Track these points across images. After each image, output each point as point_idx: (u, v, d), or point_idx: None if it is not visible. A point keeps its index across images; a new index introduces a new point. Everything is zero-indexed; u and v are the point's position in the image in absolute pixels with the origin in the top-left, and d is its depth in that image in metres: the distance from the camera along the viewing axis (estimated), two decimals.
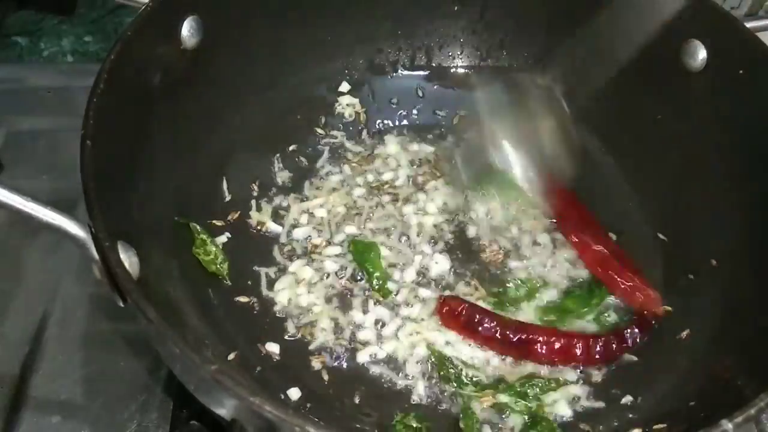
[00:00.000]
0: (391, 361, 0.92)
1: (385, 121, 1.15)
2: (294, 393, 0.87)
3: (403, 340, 0.93)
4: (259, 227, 1.01)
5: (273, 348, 0.91)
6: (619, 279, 0.97)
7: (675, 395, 0.87)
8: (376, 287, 0.96)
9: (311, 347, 0.92)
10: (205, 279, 0.93)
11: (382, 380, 0.90)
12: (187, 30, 0.90)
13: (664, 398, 0.88)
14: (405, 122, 1.15)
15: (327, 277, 0.98)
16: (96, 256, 0.66)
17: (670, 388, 0.88)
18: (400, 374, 0.91)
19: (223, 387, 0.56)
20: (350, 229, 1.02)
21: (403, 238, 1.02)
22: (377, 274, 0.97)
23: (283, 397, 0.86)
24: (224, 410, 0.64)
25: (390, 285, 0.97)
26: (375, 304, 0.96)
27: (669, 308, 0.96)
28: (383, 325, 0.94)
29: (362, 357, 0.92)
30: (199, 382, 0.66)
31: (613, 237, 1.03)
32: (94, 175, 0.69)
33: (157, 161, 0.88)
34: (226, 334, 0.88)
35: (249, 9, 0.98)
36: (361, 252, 0.98)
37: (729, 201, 0.97)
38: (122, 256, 0.68)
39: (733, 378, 0.83)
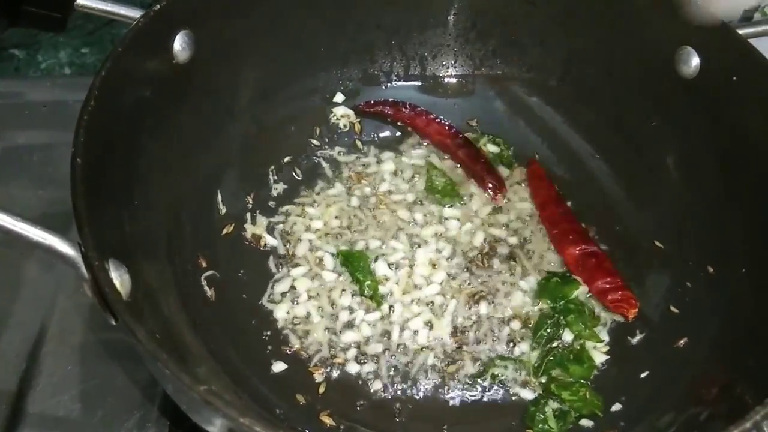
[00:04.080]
0: (387, 369, 0.92)
1: (381, 133, 1.15)
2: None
3: (397, 348, 0.94)
4: (254, 240, 1.01)
5: (272, 362, 0.91)
6: (596, 277, 0.98)
7: (670, 404, 0.87)
8: (368, 295, 0.96)
9: (310, 359, 0.92)
10: (200, 294, 0.93)
11: (378, 389, 0.91)
12: (179, 44, 0.89)
13: (658, 407, 0.87)
14: (399, 133, 1.15)
15: (324, 288, 0.98)
16: (86, 275, 0.66)
17: (664, 397, 0.88)
18: (396, 382, 0.91)
19: (213, 408, 0.56)
20: (346, 240, 1.02)
21: (400, 248, 1.01)
22: (368, 282, 0.97)
23: (279, 412, 0.86)
24: (216, 429, 0.64)
25: (383, 292, 0.97)
26: (370, 312, 0.96)
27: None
28: (379, 333, 0.95)
29: (357, 366, 0.92)
30: (190, 401, 0.66)
31: (606, 246, 1.03)
32: (84, 194, 0.68)
33: (150, 176, 0.88)
34: (222, 349, 0.88)
35: (241, 22, 0.98)
36: (351, 262, 0.98)
37: (725, 208, 0.96)
38: (113, 274, 0.68)
39: (732, 385, 0.82)
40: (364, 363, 0.93)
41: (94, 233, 0.66)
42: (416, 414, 0.89)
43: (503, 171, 1.11)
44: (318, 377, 0.91)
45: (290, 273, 0.99)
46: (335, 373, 0.92)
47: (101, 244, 0.66)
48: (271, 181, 1.07)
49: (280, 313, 0.95)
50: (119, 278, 0.69)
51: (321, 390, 0.90)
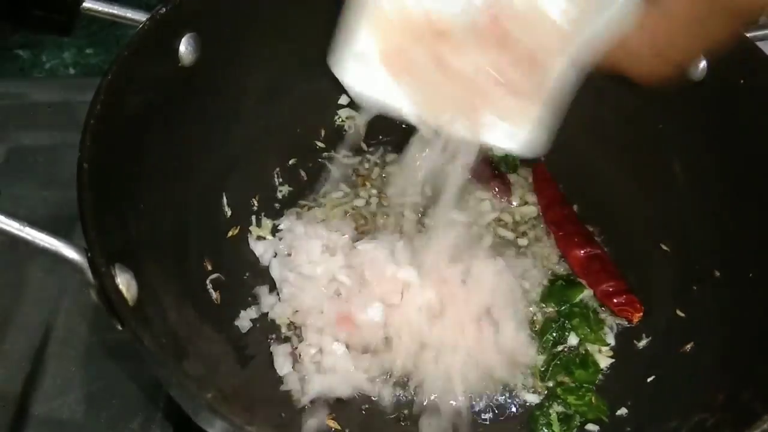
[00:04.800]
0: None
1: (386, 135, 1.14)
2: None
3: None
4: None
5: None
6: (600, 281, 0.98)
7: (676, 409, 0.86)
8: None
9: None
10: (205, 297, 0.93)
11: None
12: (185, 47, 0.89)
13: (664, 412, 0.87)
14: (405, 134, 1.14)
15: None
16: (93, 280, 0.66)
17: (670, 402, 0.88)
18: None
19: (219, 416, 0.56)
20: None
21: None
22: None
23: (283, 415, 0.86)
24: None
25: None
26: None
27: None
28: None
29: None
30: (196, 407, 0.66)
31: (612, 249, 1.03)
32: (91, 199, 0.68)
33: (156, 179, 0.88)
34: (227, 352, 0.88)
35: (247, 24, 0.98)
36: None
37: (731, 211, 0.96)
38: (119, 279, 0.68)
39: (739, 392, 0.82)
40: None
41: (100, 239, 0.65)
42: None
43: (510, 175, 1.10)
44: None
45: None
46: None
47: (107, 250, 0.66)
48: (277, 183, 1.07)
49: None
50: (125, 283, 0.69)
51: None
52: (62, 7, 0.86)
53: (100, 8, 0.88)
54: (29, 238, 0.66)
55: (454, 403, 0.90)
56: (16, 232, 0.65)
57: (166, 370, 0.58)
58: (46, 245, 0.66)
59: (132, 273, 0.71)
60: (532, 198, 1.08)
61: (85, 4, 0.86)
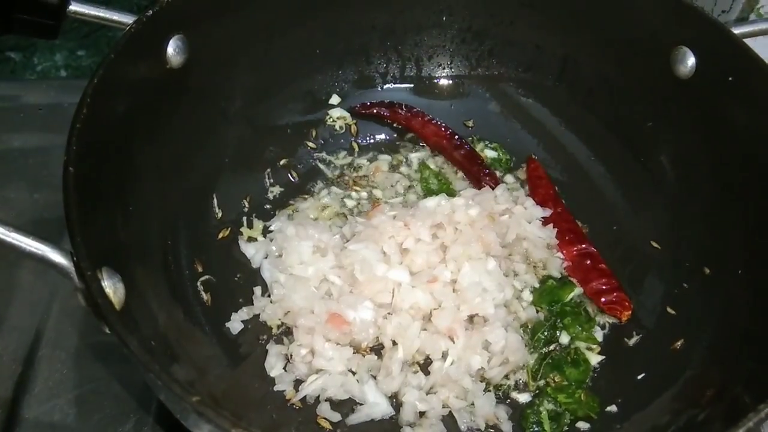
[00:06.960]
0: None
1: (377, 135, 1.14)
2: None
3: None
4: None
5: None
6: (591, 278, 0.99)
7: (666, 406, 0.87)
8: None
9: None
10: (196, 299, 0.93)
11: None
12: (173, 49, 0.89)
13: (654, 409, 0.87)
14: (396, 135, 1.15)
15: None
16: (80, 284, 0.66)
17: (661, 399, 0.88)
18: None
19: (205, 419, 0.56)
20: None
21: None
22: None
23: (274, 416, 0.86)
24: None
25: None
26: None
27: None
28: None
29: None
30: (183, 411, 0.66)
31: (603, 247, 1.03)
32: (77, 203, 0.68)
33: (144, 181, 0.88)
34: (217, 354, 0.88)
35: (235, 25, 0.98)
36: None
37: (721, 208, 0.96)
38: (106, 283, 0.68)
39: (729, 387, 0.82)
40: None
41: (86, 243, 0.65)
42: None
43: (508, 179, 1.11)
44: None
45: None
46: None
47: (94, 254, 0.66)
48: (267, 184, 1.07)
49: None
50: (113, 287, 0.69)
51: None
52: (49, 11, 0.86)
53: (87, 11, 0.88)
54: (15, 242, 0.66)
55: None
56: (1, 236, 0.65)
57: (153, 374, 0.58)
58: (32, 249, 0.66)
59: (120, 276, 0.71)
60: (524, 198, 1.08)
61: (72, 7, 0.86)
